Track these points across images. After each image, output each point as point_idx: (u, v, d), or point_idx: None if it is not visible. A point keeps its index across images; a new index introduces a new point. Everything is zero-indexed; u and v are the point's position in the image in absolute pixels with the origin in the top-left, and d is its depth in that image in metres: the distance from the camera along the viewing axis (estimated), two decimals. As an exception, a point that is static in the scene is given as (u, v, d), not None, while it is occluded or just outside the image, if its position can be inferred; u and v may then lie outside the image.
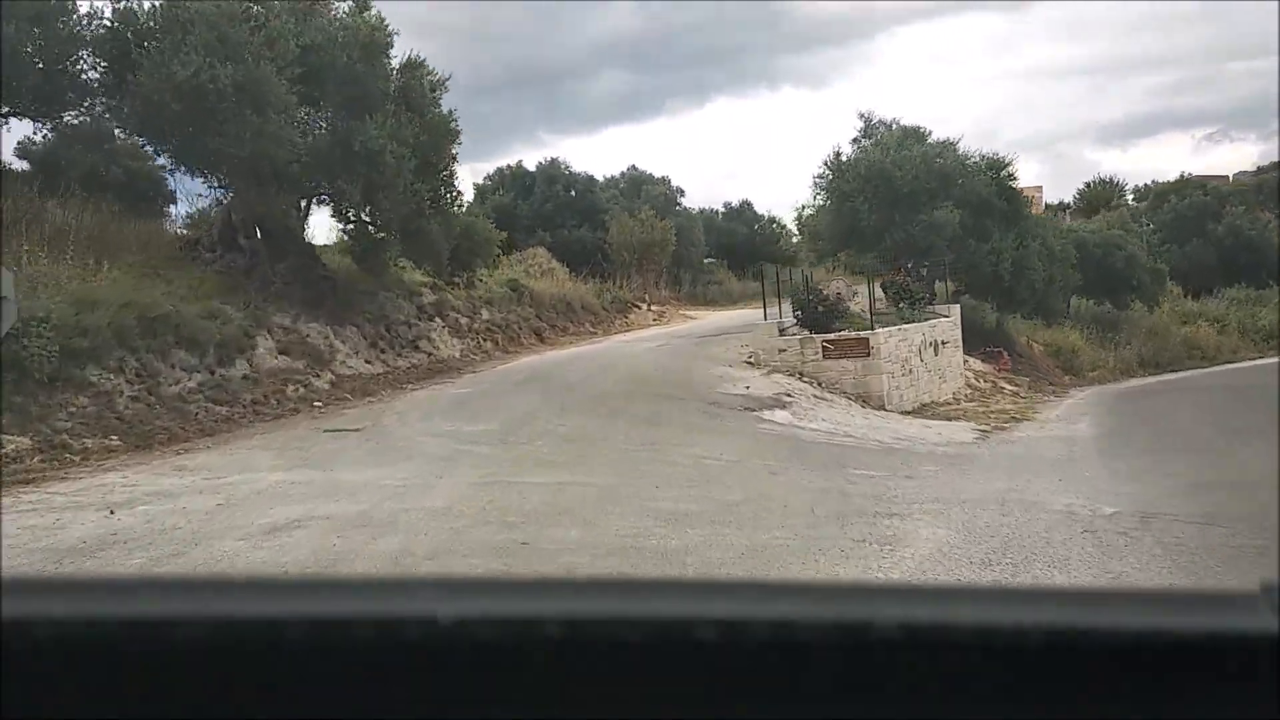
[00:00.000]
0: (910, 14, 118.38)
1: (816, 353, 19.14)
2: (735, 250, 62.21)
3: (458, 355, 22.82)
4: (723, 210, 65.10)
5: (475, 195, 52.33)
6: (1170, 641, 0.59)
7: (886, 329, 19.54)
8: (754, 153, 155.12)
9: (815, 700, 0.59)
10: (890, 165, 25.99)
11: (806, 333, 19.92)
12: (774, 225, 66.88)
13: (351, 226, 18.96)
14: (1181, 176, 57.55)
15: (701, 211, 59.57)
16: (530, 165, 51.35)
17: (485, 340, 25.09)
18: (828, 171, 27.37)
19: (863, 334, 19.00)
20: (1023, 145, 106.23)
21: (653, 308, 43.27)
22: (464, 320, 24.59)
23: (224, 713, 0.61)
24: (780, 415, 15.09)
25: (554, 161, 50.94)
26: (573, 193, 50.92)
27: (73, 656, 0.60)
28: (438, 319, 23.16)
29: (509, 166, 51.54)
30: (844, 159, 27.20)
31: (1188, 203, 53.59)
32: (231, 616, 0.61)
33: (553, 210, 49.71)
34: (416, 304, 22.71)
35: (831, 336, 19.19)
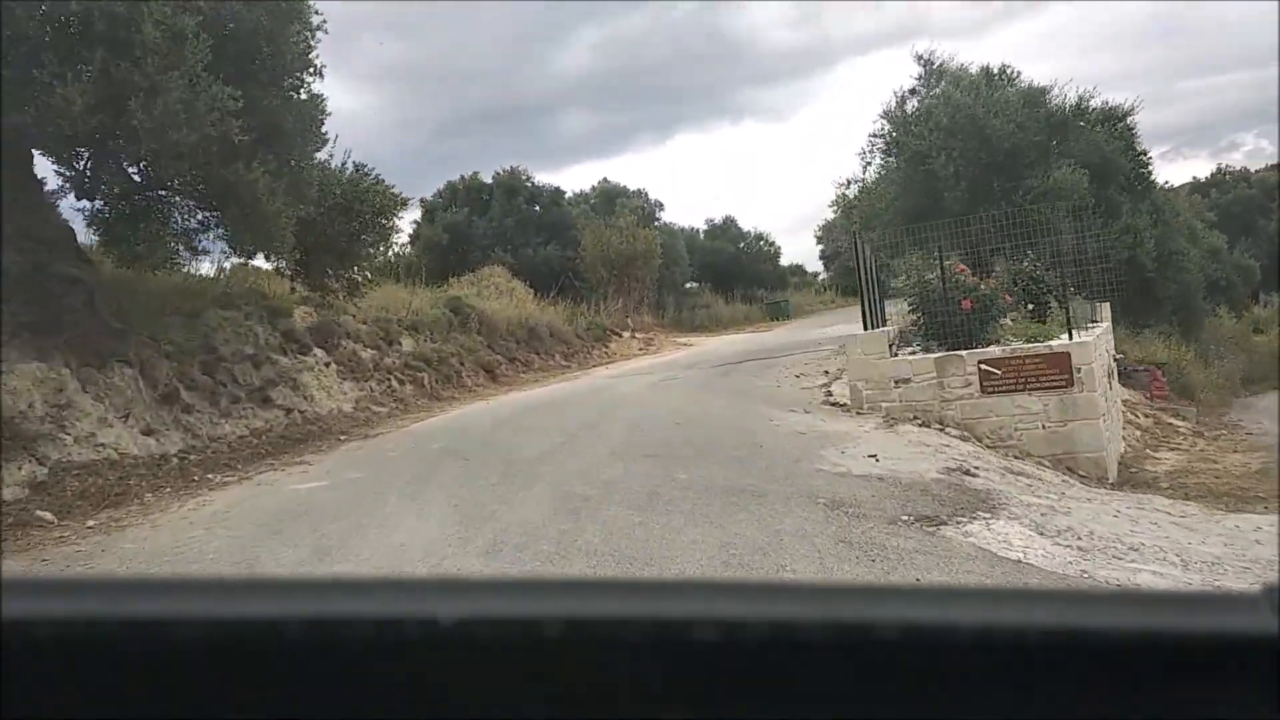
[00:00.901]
0: (868, 44, 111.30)
1: (966, 382, 10.16)
2: (719, 271, 53.45)
3: (350, 408, 13.58)
4: (705, 228, 56.42)
5: (422, 214, 43.34)
6: (1170, 641, 0.57)
7: (1085, 337, 10.54)
8: (721, 185, 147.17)
9: (815, 700, 0.57)
10: (983, 111, 17.26)
11: (935, 347, 10.90)
12: (761, 242, 58.31)
13: (80, 173, 9.58)
14: (1219, 170, 49.47)
15: (682, 230, 50.82)
16: (487, 177, 42.28)
17: (404, 382, 15.85)
18: (888, 127, 18.52)
19: (1056, 346, 10.04)
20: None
21: (637, 334, 34.25)
22: (367, 354, 15.32)
23: (224, 713, 0.57)
24: (1018, 537, 5.99)
25: (514, 172, 41.80)
26: (537, 207, 41.89)
27: (73, 656, 0.57)
28: (318, 351, 13.97)
29: (462, 178, 42.37)
30: (911, 109, 18.40)
31: (1232, 197, 45.41)
32: (231, 616, 0.58)
33: (514, 227, 40.60)
34: (280, 328, 13.51)
35: (998, 354, 10.18)
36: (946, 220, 16.34)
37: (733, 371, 16.72)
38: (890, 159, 18.29)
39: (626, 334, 32.59)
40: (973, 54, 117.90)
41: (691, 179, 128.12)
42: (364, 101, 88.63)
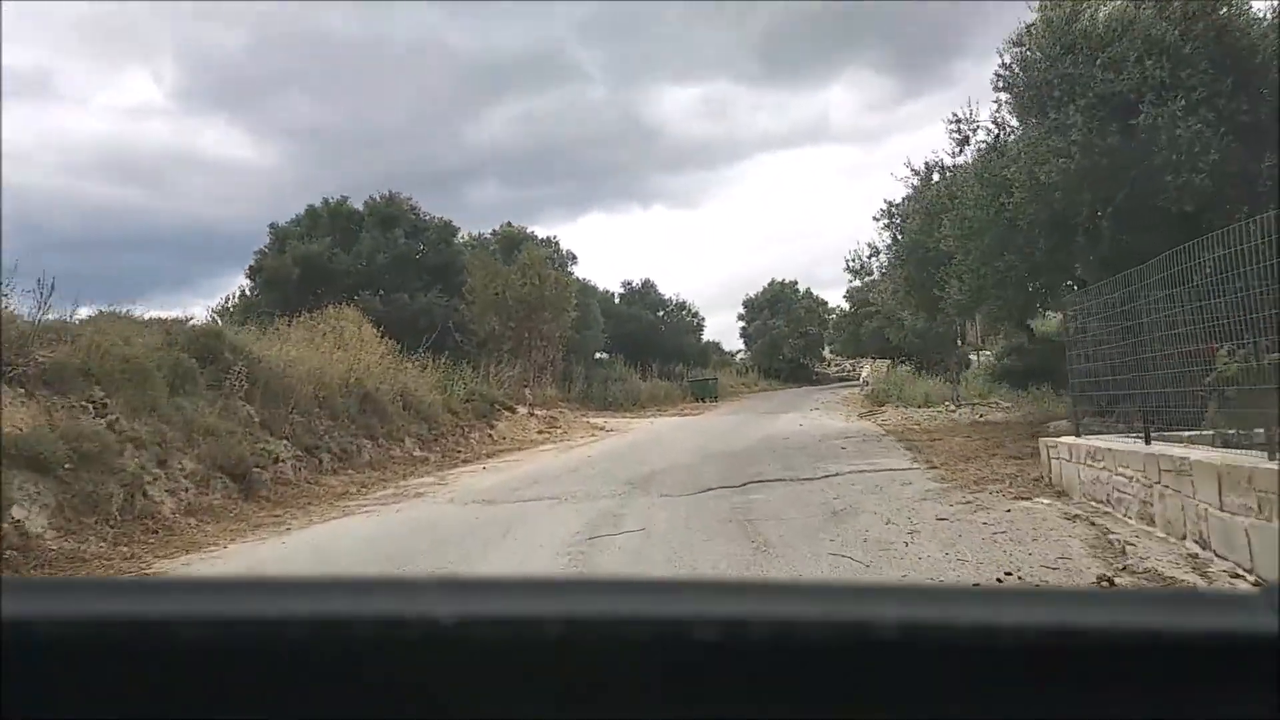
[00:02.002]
0: (773, 143, 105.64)
1: None
2: (636, 341, 43.97)
3: None
4: (621, 292, 47.01)
5: (272, 239, 32.80)
6: (1170, 641, 0.55)
7: None
8: (633, 261, 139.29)
9: (815, 700, 0.54)
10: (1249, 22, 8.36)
11: None
12: (684, 311, 49.23)
13: None
14: None
15: (596, 291, 41.28)
16: (358, 203, 31.96)
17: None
18: (1033, 56, 9.34)
19: None
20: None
21: (536, 411, 24.32)
22: None
23: (224, 713, 0.55)
24: None
25: (392, 198, 31.69)
26: (421, 245, 31.91)
27: (73, 656, 0.55)
28: None
29: (326, 202, 32.00)
30: (1077, 31, 9.28)
31: None
32: (231, 616, 0.56)
33: (388, 265, 30.29)
34: None
35: None
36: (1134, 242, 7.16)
37: (760, 514, 6.97)
38: (1042, 118, 9.07)
39: (523, 409, 22.58)
40: (872, 158, 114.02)
41: (603, 253, 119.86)
42: (266, 155, 77.66)
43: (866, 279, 13.81)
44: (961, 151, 10.47)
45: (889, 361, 47.67)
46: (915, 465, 9.55)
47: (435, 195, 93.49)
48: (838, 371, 58.30)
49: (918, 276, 11.40)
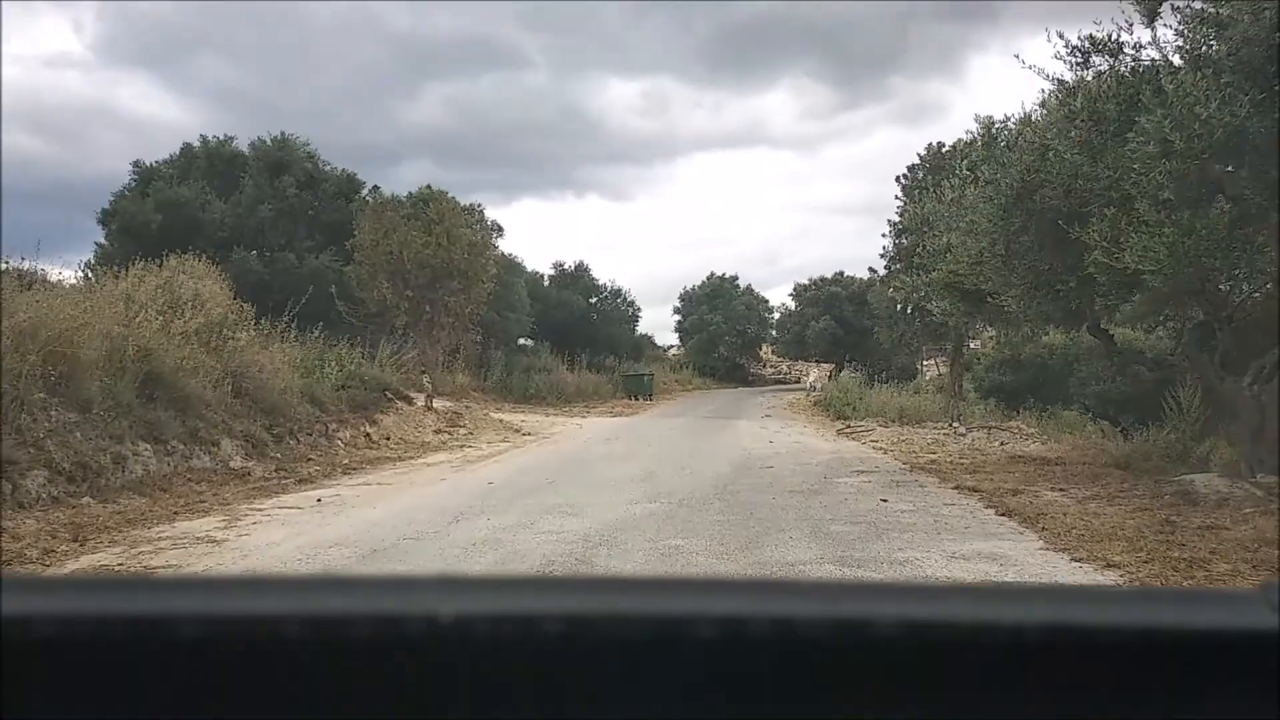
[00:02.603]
0: (709, 143, 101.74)
1: None
2: (565, 329, 39.04)
3: None
4: (552, 273, 41.97)
5: (135, 179, 27.00)
6: (1170, 640, 0.54)
7: None
8: (564, 248, 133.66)
9: (815, 699, 0.53)
10: None
11: None
12: (619, 299, 44.49)
13: None
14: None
15: (524, 270, 36.20)
16: (244, 145, 26.32)
17: None
18: None
19: None
20: (802, 271, 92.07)
21: (435, 400, 19.32)
22: None
23: (224, 711, 0.54)
24: None
25: (284, 140, 26.16)
26: (315, 197, 26.50)
27: (73, 656, 0.53)
28: None
29: (204, 140, 26.32)
30: None
31: None
32: (231, 616, 0.55)
33: (273, 219, 24.82)
34: None
35: None
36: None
37: None
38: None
39: (420, 399, 17.59)
40: (808, 165, 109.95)
41: (534, 239, 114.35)
42: (186, 116, 70.18)
43: (935, 241, 9.23)
44: (1152, 24, 6.05)
45: (832, 366, 43.86)
46: (1096, 572, 5.03)
47: (363, 171, 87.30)
48: (774, 374, 54.24)
49: (1026, 237, 6.89)
